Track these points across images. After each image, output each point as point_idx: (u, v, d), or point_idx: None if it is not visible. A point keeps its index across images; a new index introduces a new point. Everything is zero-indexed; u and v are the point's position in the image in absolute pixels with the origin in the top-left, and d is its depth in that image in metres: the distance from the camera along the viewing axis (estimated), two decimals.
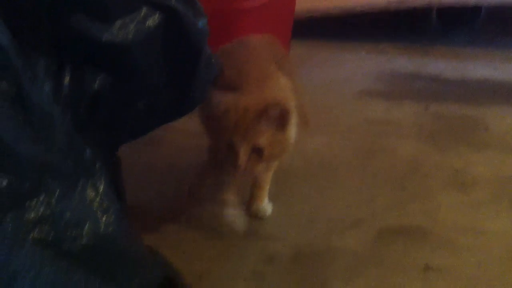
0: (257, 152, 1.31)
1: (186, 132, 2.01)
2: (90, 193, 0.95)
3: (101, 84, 1.08)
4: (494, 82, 2.61)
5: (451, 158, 1.89)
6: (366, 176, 1.80)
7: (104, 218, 0.95)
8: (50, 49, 1.00)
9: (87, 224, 0.92)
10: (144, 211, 1.57)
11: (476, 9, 3.36)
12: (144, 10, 1.09)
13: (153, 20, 1.10)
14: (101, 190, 0.96)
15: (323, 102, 2.38)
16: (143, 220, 1.48)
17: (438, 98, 2.41)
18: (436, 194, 1.68)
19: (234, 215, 1.59)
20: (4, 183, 0.82)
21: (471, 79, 2.65)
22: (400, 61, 2.93)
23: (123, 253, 0.98)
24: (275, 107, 1.29)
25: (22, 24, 0.95)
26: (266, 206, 1.60)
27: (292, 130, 1.38)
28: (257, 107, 1.30)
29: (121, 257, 0.97)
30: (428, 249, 1.43)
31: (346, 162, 1.88)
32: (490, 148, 1.95)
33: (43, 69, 0.99)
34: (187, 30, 1.16)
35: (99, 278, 0.93)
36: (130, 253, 0.99)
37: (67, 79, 1.03)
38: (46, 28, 0.99)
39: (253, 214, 1.58)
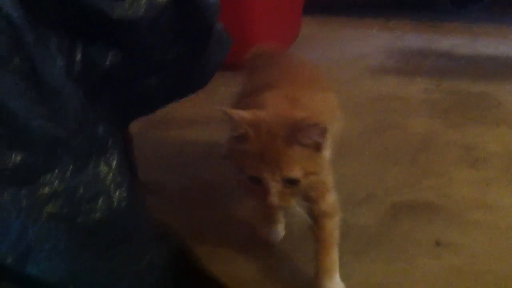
0: (292, 183, 1.03)
1: (197, 109, 2.03)
2: (103, 168, 0.95)
3: (113, 60, 1.08)
4: (507, 58, 2.59)
5: (462, 135, 1.88)
6: (377, 152, 1.80)
7: (117, 193, 0.95)
8: (61, 26, 1.00)
9: (101, 199, 0.93)
10: (156, 187, 1.57)
11: None
12: None
13: None
14: (113, 166, 0.97)
15: (334, 78, 2.36)
16: (155, 195, 1.49)
17: (450, 74, 2.40)
18: (448, 170, 1.68)
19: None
20: (19, 158, 0.83)
21: (483, 55, 2.63)
22: (412, 37, 2.91)
23: (136, 227, 0.99)
24: (311, 128, 1.02)
25: (34, 1, 0.95)
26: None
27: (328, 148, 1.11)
28: (287, 128, 1.02)
29: (134, 231, 0.98)
30: (439, 224, 1.43)
31: (357, 139, 1.88)
32: (502, 124, 1.94)
33: (55, 45, 0.99)
34: (197, 6, 1.16)
35: (112, 253, 0.94)
36: (143, 227, 1.00)
37: (78, 56, 1.04)
38: (57, 4, 0.99)
39: None
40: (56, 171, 0.88)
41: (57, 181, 0.88)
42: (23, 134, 0.84)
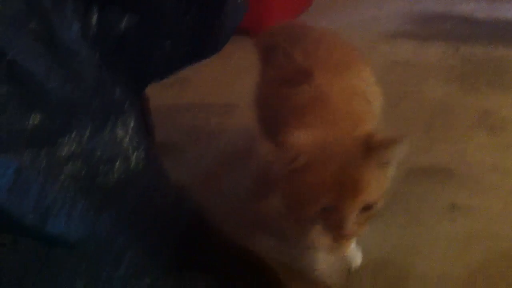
0: (368, 209, 0.94)
1: (212, 73, 2.03)
2: (120, 130, 0.96)
3: (128, 24, 1.08)
4: None
5: (480, 100, 1.86)
6: (394, 117, 1.78)
7: (134, 155, 0.96)
8: None
9: (118, 161, 0.94)
10: (173, 149, 1.59)
11: None
12: None
13: None
14: (130, 128, 0.97)
15: None
16: (172, 158, 1.50)
17: (469, 39, 2.36)
18: (464, 136, 1.67)
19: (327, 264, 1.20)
20: (37, 119, 0.84)
21: (503, 19, 2.58)
22: (429, 1, 2.86)
23: (154, 188, 1.00)
24: (390, 146, 0.92)
25: None
26: (354, 253, 1.20)
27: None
28: (360, 147, 0.92)
29: (152, 192, 0.99)
30: (455, 188, 1.44)
31: None
32: None
33: (71, 9, 0.99)
34: None
35: (130, 213, 0.95)
36: (161, 188, 1.01)
37: (94, 19, 1.03)
38: None
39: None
40: (74, 133, 0.89)
41: (75, 143, 0.89)
42: (41, 96, 0.85)
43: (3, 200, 0.77)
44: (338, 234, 0.94)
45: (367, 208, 0.93)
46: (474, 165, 1.53)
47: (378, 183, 0.93)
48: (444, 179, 1.47)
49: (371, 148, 0.91)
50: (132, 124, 0.98)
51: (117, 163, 0.93)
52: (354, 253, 1.20)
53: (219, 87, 2.00)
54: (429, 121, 1.76)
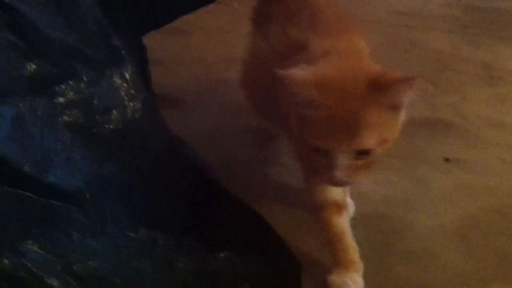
0: (364, 154, 0.86)
1: (212, 25, 2.00)
2: (118, 80, 0.96)
3: None
4: None
5: (481, 52, 1.85)
6: (395, 68, 1.78)
7: (131, 105, 0.96)
8: None
9: (115, 110, 0.94)
10: (171, 102, 1.58)
11: None
12: None
13: None
14: (128, 77, 0.97)
15: None
16: (171, 111, 1.50)
17: None
18: (464, 88, 1.67)
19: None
20: (34, 67, 0.84)
21: None
22: None
23: (151, 138, 1.00)
24: (398, 84, 0.84)
25: None
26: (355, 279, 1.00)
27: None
28: (363, 86, 0.84)
29: (148, 142, 0.99)
30: (452, 141, 1.44)
31: (375, 56, 1.85)
32: None
33: None
34: None
35: (128, 163, 0.96)
36: (157, 139, 1.01)
37: None
38: None
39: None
40: (72, 81, 0.89)
41: (72, 91, 0.89)
42: (40, 44, 0.85)
43: (2, 149, 0.78)
44: (328, 178, 0.88)
45: (363, 153, 0.85)
46: (472, 118, 1.53)
47: (381, 128, 0.85)
48: (441, 132, 1.48)
49: (378, 88, 0.84)
50: (129, 73, 0.97)
51: (114, 112, 0.93)
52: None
53: (220, 41, 1.97)
54: (429, 72, 1.76)
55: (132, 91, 0.97)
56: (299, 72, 0.86)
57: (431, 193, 1.27)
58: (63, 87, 0.88)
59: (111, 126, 0.93)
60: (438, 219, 1.20)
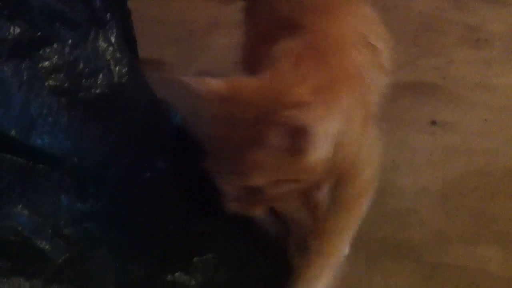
0: (255, 190, 0.77)
1: None
2: (102, 43, 0.95)
3: None
4: None
5: (466, 14, 1.84)
6: None
7: (117, 69, 0.96)
8: None
9: (101, 74, 0.93)
10: (156, 64, 1.57)
11: None
12: None
13: None
14: (113, 41, 0.96)
15: None
16: (155, 73, 1.49)
17: None
18: (449, 50, 1.67)
19: None
20: (18, 30, 0.83)
21: None
22: None
23: (136, 102, 1.00)
24: (287, 128, 0.72)
25: None
26: None
27: (324, 149, 0.76)
28: (259, 115, 0.74)
29: (134, 106, 0.99)
30: (436, 104, 1.45)
31: None
32: (508, 4, 1.90)
33: None
34: None
35: (113, 128, 0.96)
36: (143, 102, 1.01)
37: None
38: None
39: None
40: (55, 45, 0.88)
41: (56, 55, 0.88)
42: (22, 6, 0.84)
43: None
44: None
45: (252, 189, 0.76)
46: (456, 81, 1.53)
47: (274, 169, 0.75)
48: (426, 95, 1.48)
49: (264, 121, 0.73)
50: (114, 37, 0.96)
51: (100, 76, 0.93)
52: None
53: (204, 5, 1.94)
54: (414, 35, 1.75)
55: (118, 55, 0.97)
56: (209, 82, 0.78)
57: (416, 155, 1.29)
58: (48, 50, 0.87)
59: (97, 91, 0.93)
60: (423, 181, 1.22)
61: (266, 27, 0.96)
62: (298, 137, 0.71)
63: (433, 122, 1.38)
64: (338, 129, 0.77)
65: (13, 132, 0.80)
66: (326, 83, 0.79)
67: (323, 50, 0.84)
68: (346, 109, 0.80)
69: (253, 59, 0.93)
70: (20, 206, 0.81)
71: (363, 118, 0.86)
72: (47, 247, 0.81)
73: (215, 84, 0.77)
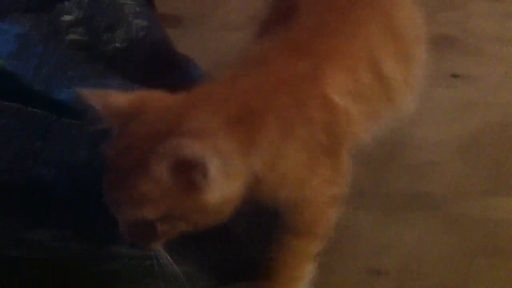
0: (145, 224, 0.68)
1: None
2: None
3: None
4: None
5: None
6: None
7: (136, 23, 0.96)
8: None
9: (120, 28, 0.94)
10: (175, 21, 1.56)
11: None
12: None
13: None
14: None
15: None
16: (175, 30, 1.48)
17: None
18: (468, 2, 1.64)
19: None
20: None
21: None
22: None
23: (155, 57, 1.00)
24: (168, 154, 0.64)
25: None
26: None
27: (225, 188, 0.68)
28: (152, 139, 0.66)
29: (154, 61, 0.99)
30: (457, 57, 1.43)
31: None
32: None
33: None
34: None
35: (132, 80, 0.96)
36: (164, 57, 1.01)
37: None
38: None
39: None
40: None
41: (75, 8, 0.88)
42: None
43: (11, 65, 0.78)
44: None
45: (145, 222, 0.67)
46: (476, 34, 1.51)
47: (165, 202, 0.66)
48: (446, 48, 1.46)
49: (161, 155, 0.64)
50: None
51: (118, 31, 0.93)
52: None
53: None
54: None
55: (136, 9, 0.97)
56: (109, 95, 0.70)
57: (437, 108, 1.28)
58: (66, 4, 0.88)
59: (116, 45, 0.93)
60: (442, 134, 1.21)
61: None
62: (185, 172, 0.64)
63: (454, 75, 1.37)
64: (254, 164, 0.70)
65: (36, 85, 0.81)
66: (256, 110, 0.72)
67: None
68: (275, 142, 0.73)
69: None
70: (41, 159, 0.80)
71: (310, 153, 0.77)
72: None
73: (118, 99, 0.70)
